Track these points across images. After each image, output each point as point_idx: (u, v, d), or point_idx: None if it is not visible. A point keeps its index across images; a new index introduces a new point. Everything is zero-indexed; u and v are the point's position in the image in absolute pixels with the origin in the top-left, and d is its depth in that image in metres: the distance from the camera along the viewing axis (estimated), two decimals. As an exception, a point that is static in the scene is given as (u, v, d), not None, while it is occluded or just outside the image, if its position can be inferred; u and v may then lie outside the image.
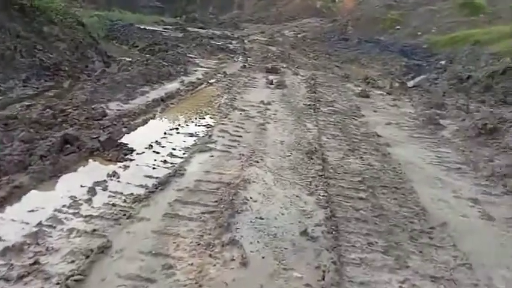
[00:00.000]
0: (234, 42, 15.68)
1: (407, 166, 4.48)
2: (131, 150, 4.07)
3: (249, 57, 12.11)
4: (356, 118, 6.36)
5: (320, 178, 3.85)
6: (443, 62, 11.03)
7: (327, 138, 5.17)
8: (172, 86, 6.95)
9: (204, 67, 9.28)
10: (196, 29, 17.52)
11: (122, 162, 3.84)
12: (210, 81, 7.77)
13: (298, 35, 22.41)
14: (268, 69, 10.12)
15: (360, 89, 8.71)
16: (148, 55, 9.53)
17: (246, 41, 16.84)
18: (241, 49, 13.75)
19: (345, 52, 15.69)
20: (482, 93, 9.04)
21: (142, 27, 14.35)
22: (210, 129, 5.09)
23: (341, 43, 17.96)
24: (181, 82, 7.26)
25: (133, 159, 3.95)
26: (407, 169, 4.38)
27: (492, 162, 4.68)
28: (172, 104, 5.96)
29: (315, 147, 4.66)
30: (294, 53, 14.77)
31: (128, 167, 3.81)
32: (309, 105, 6.77)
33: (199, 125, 5.22)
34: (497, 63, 10.29)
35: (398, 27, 18.87)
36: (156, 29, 15.32)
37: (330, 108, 6.80)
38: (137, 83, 6.43)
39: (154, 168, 3.82)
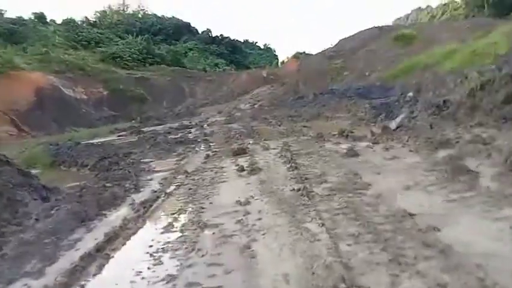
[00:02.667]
0: (193, 130, 14.11)
1: (495, 268, 2.57)
2: None
3: (212, 143, 10.40)
4: (363, 192, 4.51)
5: None
6: (411, 94, 9.81)
7: (348, 245, 3.21)
8: (117, 215, 4.90)
9: (161, 171, 7.37)
10: (152, 128, 15.96)
11: None
12: (167, 191, 5.81)
13: (255, 106, 21.48)
14: (235, 151, 8.38)
15: (343, 147, 7.07)
16: (98, 176, 7.52)
17: (205, 125, 15.38)
18: (201, 136, 12.11)
19: (306, 110, 14.51)
20: (470, 115, 7.60)
21: (90, 142, 12.52)
22: (170, 285, 3.02)
23: (298, 102, 16.95)
24: (130, 205, 5.24)
25: None
26: (502, 276, 2.47)
27: None
28: (113, 249, 3.87)
29: (342, 276, 2.69)
30: (256, 124, 13.37)
31: None
32: (298, 189, 4.89)
33: (154, 282, 3.14)
34: (466, 81, 9.06)
35: (346, 73, 18.31)
36: (107, 139, 13.55)
37: (325, 186, 4.96)
38: (65, 229, 4.34)
39: None
